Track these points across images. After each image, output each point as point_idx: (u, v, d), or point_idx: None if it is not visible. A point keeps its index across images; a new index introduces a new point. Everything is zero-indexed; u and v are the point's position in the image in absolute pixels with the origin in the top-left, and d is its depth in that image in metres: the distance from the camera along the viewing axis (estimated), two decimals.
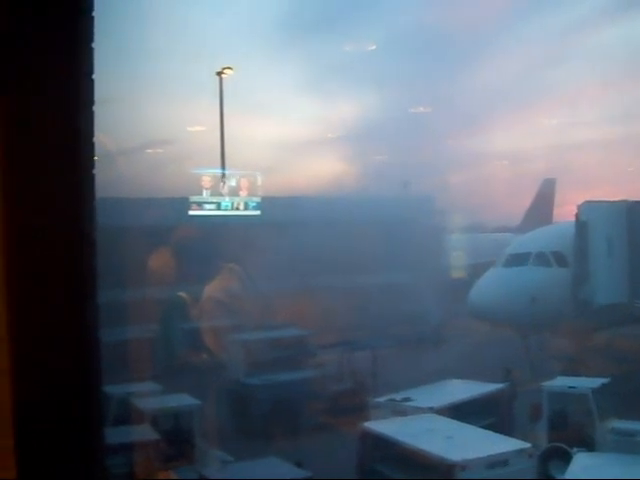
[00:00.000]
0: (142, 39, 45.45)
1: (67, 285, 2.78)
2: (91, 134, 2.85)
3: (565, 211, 55.11)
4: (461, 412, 20.91)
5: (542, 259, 32.72)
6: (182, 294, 34.49)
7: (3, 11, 2.76)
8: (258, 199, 40.44)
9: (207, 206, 39.48)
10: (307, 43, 64.82)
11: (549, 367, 28.38)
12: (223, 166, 42.72)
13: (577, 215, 32.86)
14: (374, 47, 59.00)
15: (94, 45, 2.89)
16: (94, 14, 2.90)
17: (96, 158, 2.88)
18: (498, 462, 17.24)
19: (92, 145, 2.84)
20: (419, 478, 17.72)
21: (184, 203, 38.39)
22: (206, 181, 39.91)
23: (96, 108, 2.87)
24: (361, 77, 64.25)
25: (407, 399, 22.04)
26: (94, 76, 2.88)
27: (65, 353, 2.78)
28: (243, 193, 40.45)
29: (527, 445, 18.21)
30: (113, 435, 17.25)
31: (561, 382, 22.66)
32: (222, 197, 39.95)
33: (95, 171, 2.86)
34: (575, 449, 19.35)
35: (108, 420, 18.95)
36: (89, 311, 2.81)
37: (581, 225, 32.33)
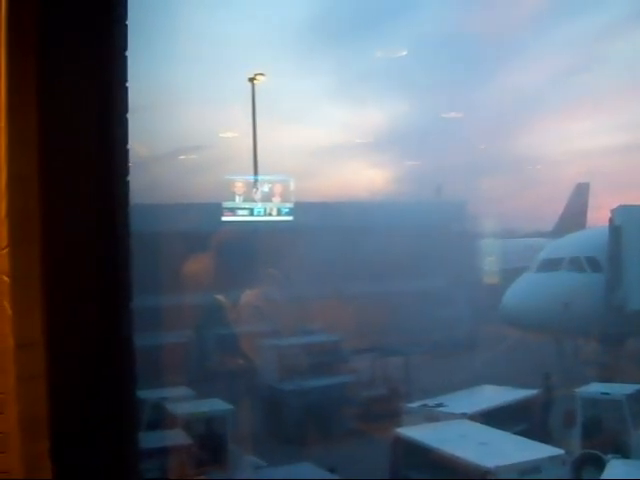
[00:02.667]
0: (175, 46, 45.67)
1: (102, 291, 2.81)
2: (125, 141, 2.88)
3: (599, 216, 54.72)
4: (494, 418, 20.79)
5: (576, 264, 32.48)
6: (216, 299, 34.57)
7: (37, 20, 2.80)
8: (291, 205, 40.45)
9: (240, 212, 39.54)
10: (338, 49, 64.69)
11: (583, 373, 28.17)
12: (256, 172, 42.81)
13: (611, 219, 32.59)
14: (405, 53, 58.88)
15: (127, 53, 2.92)
16: (127, 23, 2.93)
17: (130, 165, 2.91)
18: (531, 469, 17.12)
19: (126, 152, 2.88)
20: None
21: (217, 209, 38.48)
22: (239, 187, 39.96)
23: (130, 115, 2.90)
24: (393, 83, 64.00)
25: (440, 405, 21.97)
26: (128, 84, 2.91)
27: (100, 358, 2.80)
28: (276, 199, 40.47)
29: (560, 452, 18.09)
30: (147, 439, 17.32)
31: (595, 388, 22.49)
32: (255, 203, 40.02)
33: (129, 178, 2.89)
34: (609, 456, 19.18)
35: (142, 425, 19.03)
36: (124, 316, 2.84)
37: (615, 230, 32.04)
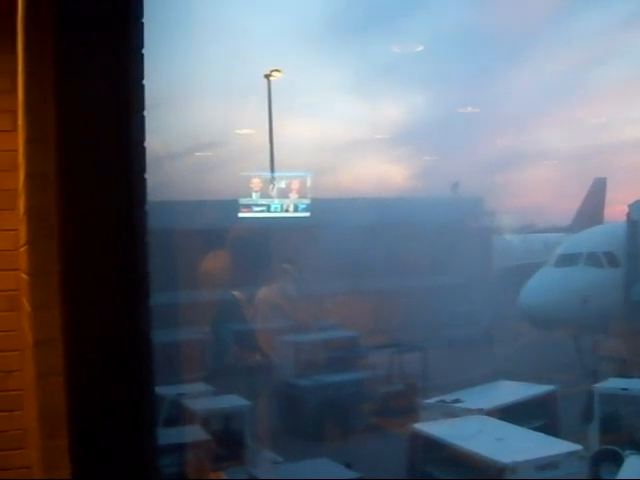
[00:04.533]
0: (190, 43, 45.75)
1: (120, 287, 2.83)
2: (142, 139, 2.89)
3: (616, 211, 54.50)
4: (512, 414, 20.73)
5: (593, 259, 32.36)
6: (233, 296, 34.63)
7: (53, 20, 2.82)
8: (307, 201, 40.41)
9: (257, 208, 39.53)
10: (354, 44, 64.68)
11: (601, 368, 28.06)
12: (272, 168, 42.80)
13: (628, 214, 32.47)
14: (421, 48, 58.76)
15: (144, 50, 2.94)
16: (143, 21, 2.95)
17: (147, 162, 2.92)
18: (549, 464, 17.05)
19: (143, 150, 2.89)
20: None
21: (234, 205, 38.49)
22: (255, 183, 39.93)
23: (146, 112, 2.92)
24: (409, 78, 63.99)
25: (457, 400, 21.90)
26: (144, 81, 2.93)
27: (118, 355, 2.82)
28: (292, 195, 40.42)
29: (578, 447, 18.03)
30: (165, 435, 17.38)
31: (613, 384, 22.39)
32: (271, 199, 40.00)
33: (146, 175, 2.90)
34: (627, 451, 19.11)
35: (160, 421, 19.08)
36: (141, 313, 2.86)
37: (633, 225, 31.92)
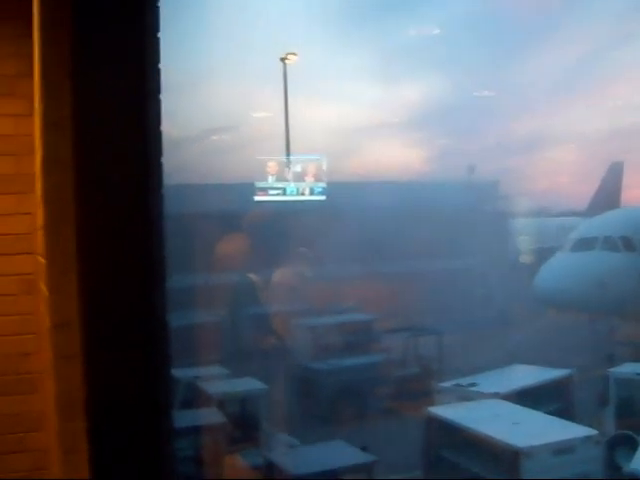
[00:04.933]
0: (206, 26, 45.69)
1: (136, 271, 2.84)
2: (158, 122, 2.90)
3: (633, 195, 54.31)
4: (527, 398, 20.73)
5: (610, 243, 32.23)
6: (249, 279, 34.71)
7: (70, 5, 2.82)
8: (323, 184, 40.39)
9: (272, 192, 39.56)
10: (371, 27, 64.41)
11: (617, 353, 28.00)
12: (288, 152, 42.79)
13: None
14: (438, 31, 58.63)
15: (160, 34, 2.94)
16: (159, 4, 2.95)
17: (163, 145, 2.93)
18: (564, 449, 17.05)
19: (160, 133, 2.90)
20: (484, 464, 17.65)
21: (250, 189, 38.52)
22: (271, 167, 39.96)
23: (162, 96, 2.92)
24: (425, 61, 63.93)
25: (473, 384, 21.91)
26: (160, 65, 2.93)
27: (134, 337, 2.84)
28: (308, 178, 40.41)
29: (594, 432, 18.01)
30: (181, 418, 17.46)
31: (629, 368, 22.36)
32: (287, 183, 40.01)
33: (162, 159, 2.91)
34: None
35: (176, 403, 19.17)
36: (158, 296, 2.87)
37: None
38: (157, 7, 2.93)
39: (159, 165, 2.88)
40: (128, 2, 2.84)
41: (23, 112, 4.93)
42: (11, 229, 5.06)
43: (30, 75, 4.54)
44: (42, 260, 4.07)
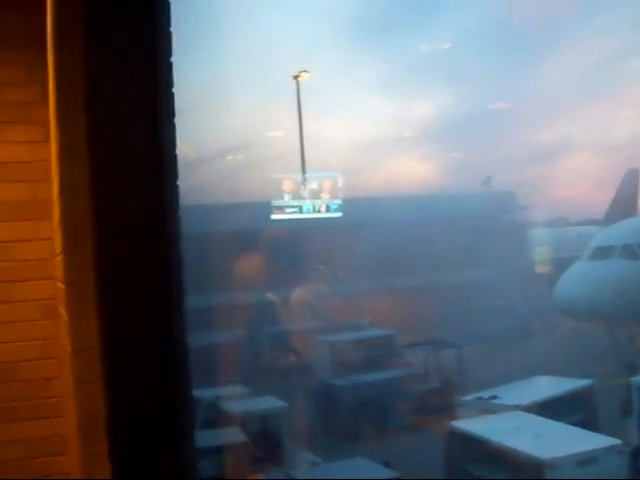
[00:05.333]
0: (219, 47, 45.92)
1: (155, 292, 2.86)
2: (173, 146, 2.93)
3: None
4: (549, 409, 20.66)
5: (628, 252, 32.09)
6: (267, 297, 34.72)
7: (84, 30, 2.86)
8: (339, 201, 40.44)
9: (289, 210, 39.61)
10: (383, 43, 64.57)
11: (638, 361, 27.84)
12: (303, 169, 42.87)
13: None
14: (450, 45, 58.71)
15: (173, 58, 2.97)
16: (171, 29, 2.98)
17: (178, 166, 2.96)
18: (588, 460, 16.98)
19: (175, 157, 2.92)
20: (508, 477, 17.58)
21: (266, 207, 38.59)
22: (287, 185, 40.02)
23: (177, 116, 2.95)
24: (438, 75, 63.95)
25: (494, 397, 21.87)
26: (174, 89, 2.96)
27: (154, 359, 2.85)
28: (324, 195, 40.46)
29: (617, 442, 17.92)
30: (202, 438, 17.46)
31: None
32: (303, 200, 40.06)
33: (178, 180, 2.94)
34: None
35: (197, 423, 19.17)
36: (177, 317, 2.89)
37: None
38: (169, 31, 2.96)
39: (175, 188, 2.91)
40: (141, 28, 2.87)
41: (39, 139, 4.98)
42: (30, 255, 5.09)
43: (45, 102, 4.58)
44: (61, 285, 4.11)
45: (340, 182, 41.02)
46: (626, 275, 30.98)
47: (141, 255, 2.85)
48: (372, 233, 35.51)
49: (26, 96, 5.00)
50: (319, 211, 40.25)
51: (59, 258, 4.16)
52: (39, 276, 5.08)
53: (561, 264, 36.66)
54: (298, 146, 43.47)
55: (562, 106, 65.54)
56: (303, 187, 40.47)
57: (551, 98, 63.93)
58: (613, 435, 18.76)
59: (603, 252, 32.29)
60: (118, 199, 2.82)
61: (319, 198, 40.43)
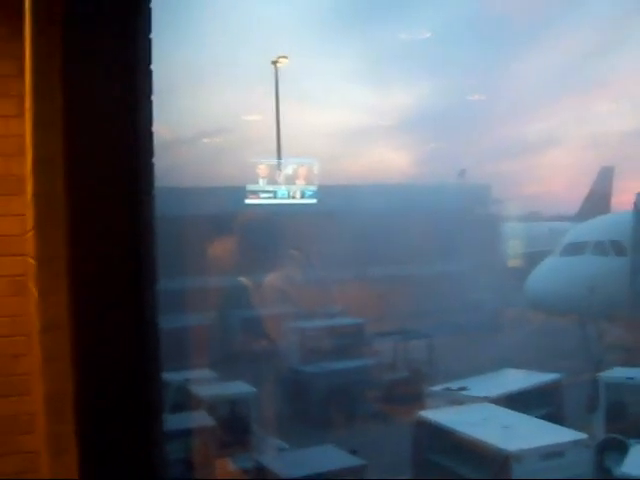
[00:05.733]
0: (199, 29, 45.72)
1: (127, 273, 2.82)
2: (150, 123, 2.89)
3: (623, 199, 54.44)
4: (517, 402, 20.77)
5: (600, 248, 32.28)
6: (239, 282, 34.65)
7: (62, 6, 2.81)
8: (314, 187, 40.42)
9: (264, 195, 39.57)
10: (362, 31, 64.64)
11: (607, 357, 28.04)
12: (279, 155, 42.83)
13: (635, 204, 32.37)
14: (429, 35, 58.70)
15: (152, 35, 2.93)
16: (151, 6, 2.94)
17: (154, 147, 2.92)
18: (554, 453, 17.10)
19: (151, 135, 2.88)
20: (474, 467, 17.66)
21: (241, 192, 38.51)
22: (262, 170, 39.98)
23: (154, 97, 2.91)
24: (416, 65, 64.05)
25: (463, 388, 21.95)
26: (152, 66, 2.92)
27: (125, 339, 2.82)
28: (299, 182, 40.46)
29: (583, 436, 18.05)
30: (170, 421, 17.41)
31: (619, 373, 22.39)
32: (278, 186, 40.02)
33: (154, 161, 2.90)
34: (632, 441, 19.15)
35: (166, 406, 19.11)
36: (149, 298, 2.85)
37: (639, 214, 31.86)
38: (149, 8, 2.92)
39: (150, 166, 2.87)
40: (120, 3, 2.83)
41: (14, 113, 4.90)
42: (2, 231, 5.03)
43: (21, 75, 4.51)
44: (32, 262, 4.05)
45: (316, 169, 41.03)
46: (598, 271, 31.17)
47: (114, 234, 2.81)
48: (346, 221, 35.52)
49: (2, 68, 4.93)
50: (294, 197, 40.27)
51: (30, 234, 4.10)
52: (10, 252, 5.02)
53: (533, 259, 36.87)
54: (275, 131, 43.42)
55: (539, 101, 65.96)
56: (278, 172, 40.44)
57: (529, 92, 64.32)
58: (579, 429, 18.90)
59: (576, 248, 32.48)
60: (92, 175, 2.78)
61: (294, 184, 40.42)
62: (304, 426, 23.43)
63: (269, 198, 39.65)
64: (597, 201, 52.26)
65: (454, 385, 22.35)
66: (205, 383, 22.51)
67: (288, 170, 40.58)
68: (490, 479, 17.15)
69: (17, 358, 5.03)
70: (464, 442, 17.92)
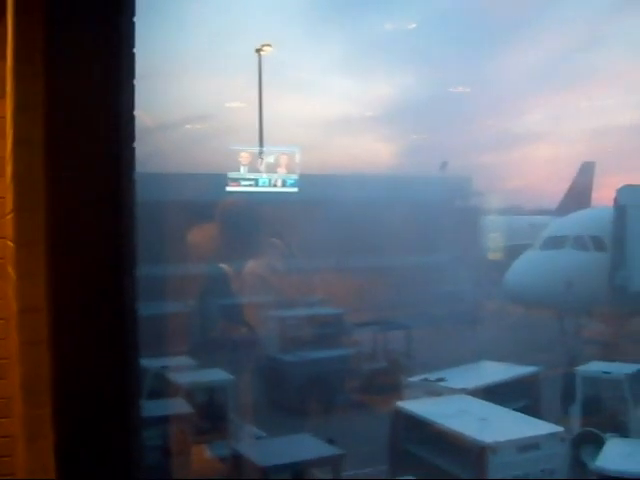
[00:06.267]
0: (182, 15, 45.53)
1: (106, 258, 2.81)
2: (131, 107, 2.87)
3: (604, 195, 54.72)
4: (494, 394, 20.85)
5: (580, 243, 32.46)
6: (219, 269, 34.59)
7: None
8: (296, 176, 40.37)
9: (245, 182, 39.49)
10: (346, 21, 64.64)
11: (584, 351, 28.21)
12: (261, 143, 42.74)
13: (616, 199, 32.53)
14: (414, 25, 58.71)
15: (135, 19, 2.91)
16: None
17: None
18: (530, 445, 17.20)
19: (132, 119, 2.87)
20: (450, 458, 17.74)
21: (222, 179, 38.43)
22: (244, 157, 39.86)
23: (136, 83, 2.89)
24: (400, 56, 63.90)
25: (441, 379, 22.01)
26: (135, 50, 2.90)
27: (103, 325, 2.81)
28: (281, 170, 40.39)
29: (559, 429, 18.16)
30: (147, 408, 17.39)
31: (595, 367, 22.52)
32: (260, 174, 39.95)
33: (135, 146, 2.88)
34: (608, 434, 19.28)
35: (143, 393, 19.08)
36: (127, 284, 2.84)
37: (619, 209, 31.96)
38: None
39: (131, 150, 2.85)
40: None
41: None
42: None
43: (2, 58, 4.48)
44: (11, 244, 4.03)
45: (297, 157, 40.98)
46: (577, 266, 31.36)
47: (93, 217, 2.79)
48: (326, 210, 35.50)
49: None
50: (275, 185, 40.20)
51: (10, 217, 4.08)
52: None
53: (512, 252, 36.99)
54: (257, 119, 43.32)
55: (522, 94, 66.11)
56: (260, 160, 40.35)
57: (512, 86, 64.37)
58: (556, 422, 19.02)
59: (555, 242, 32.64)
60: (72, 158, 2.76)
61: (275, 172, 40.36)
62: (282, 414, 23.46)
63: (250, 186, 39.58)
64: (578, 196, 52.46)
65: (432, 376, 22.42)
66: (183, 370, 22.48)
67: (270, 158, 40.51)
68: (465, 470, 17.24)
69: None
70: (441, 433, 18.00)
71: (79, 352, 2.77)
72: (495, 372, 23.66)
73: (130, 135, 2.84)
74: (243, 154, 39.88)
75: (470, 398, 20.37)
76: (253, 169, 39.83)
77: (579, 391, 21.52)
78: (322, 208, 35.69)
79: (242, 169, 39.64)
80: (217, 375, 22.01)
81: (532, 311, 33.74)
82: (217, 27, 55.75)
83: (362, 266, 38.34)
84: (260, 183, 39.90)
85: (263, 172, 40.06)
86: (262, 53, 42.75)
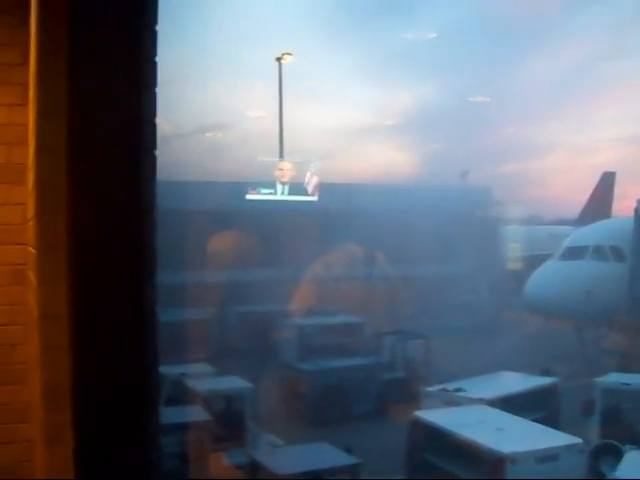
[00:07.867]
0: (204, 24, 45.67)
1: (127, 265, 2.82)
2: (153, 114, 2.88)
3: (624, 205, 54.50)
4: (513, 404, 20.77)
5: (600, 253, 32.33)
6: (238, 277, 34.65)
7: None
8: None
9: (264, 191, 39.58)
10: (367, 30, 64.53)
11: (603, 362, 28.07)
12: (281, 151, 42.81)
13: (636, 210, 32.41)
14: (434, 35, 58.69)
15: (157, 28, 2.93)
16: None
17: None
18: (548, 456, 17.09)
19: (154, 126, 2.88)
20: (468, 468, 17.66)
21: (242, 187, 38.53)
22: (264, 166, 40.01)
23: (157, 90, 2.91)
24: (420, 65, 64.00)
25: (459, 389, 21.95)
26: (157, 58, 2.92)
27: (123, 331, 2.82)
28: (309, 189, 40.48)
29: (578, 440, 18.05)
30: (165, 415, 17.41)
31: (615, 378, 22.39)
32: (280, 182, 40.02)
33: (156, 152, 2.89)
34: (627, 446, 19.14)
35: (161, 400, 19.09)
36: (148, 291, 2.85)
37: None
38: (156, 1, 2.92)
39: (153, 158, 2.86)
40: None
41: (17, 101, 4.90)
42: (2, 219, 5.03)
43: (25, 64, 4.51)
44: (32, 251, 4.05)
45: (317, 167, 41.01)
46: (596, 276, 31.22)
47: (115, 224, 2.80)
48: (346, 220, 35.52)
49: (6, 56, 4.92)
50: (294, 194, 40.25)
51: (31, 223, 4.10)
52: (10, 241, 5.02)
53: (532, 262, 36.87)
54: (277, 128, 43.40)
55: (543, 104, 65.90)
56: (280, 169, 40.43)
57: (533, 95, 64.25)
58: (574, 434, 18.90)
59: (575, 252, 32.52)
60: (94, 166, 2.77)
61: (295, 181, 40.42)
62: (299, 423, 23.44)
63: (270, 194, 39.66)
64: (598, 206, 52.28)
65: (450, 386, 22.35)
66: (201, 377, 22.52)
67: (289, 167, 40.57)
68: None
69: (14, 347, 5.03)
70: (459, 443, 17.91)
71: (99, 358, 2.78)
72: (514, 382, 23.55)
73: (151, 143, 2.85)
74: (263, 162, 40.02)
75: (488, 408, 20.29)
76: (273, 178, 39.94)
77: (598, 402, 21.40)
78: (341, 217, 35.71)
79: (262, 177, 39.74)
80: (235, 383, 22.03)
81: (551, 321, 33.60)
82: (237, 35, 55.95)
83: (381, 275, 38.32)
84: (279, 192, 39.98)
85: (283, 181, 40.15)
86: (283, 62, 42.86)
